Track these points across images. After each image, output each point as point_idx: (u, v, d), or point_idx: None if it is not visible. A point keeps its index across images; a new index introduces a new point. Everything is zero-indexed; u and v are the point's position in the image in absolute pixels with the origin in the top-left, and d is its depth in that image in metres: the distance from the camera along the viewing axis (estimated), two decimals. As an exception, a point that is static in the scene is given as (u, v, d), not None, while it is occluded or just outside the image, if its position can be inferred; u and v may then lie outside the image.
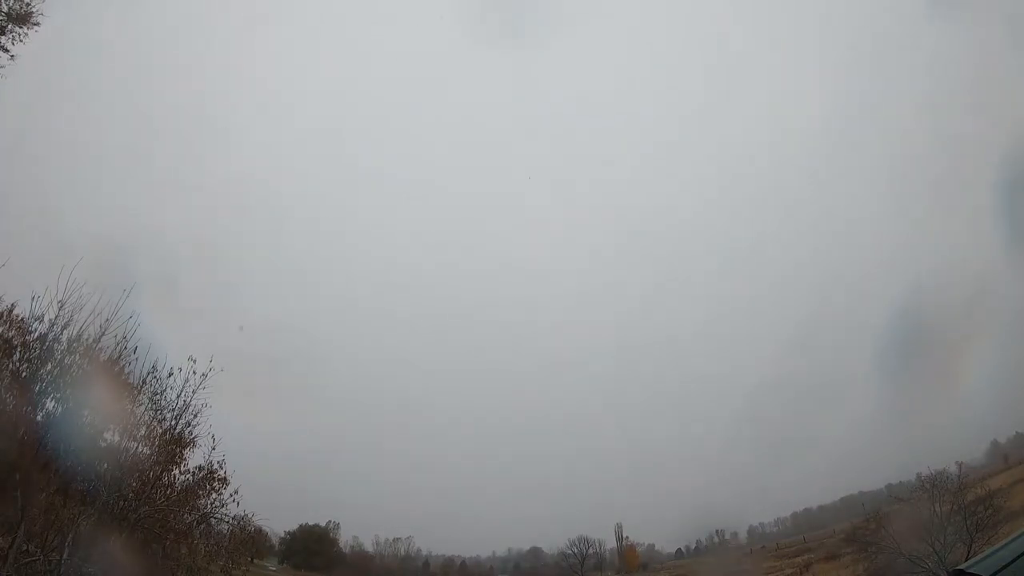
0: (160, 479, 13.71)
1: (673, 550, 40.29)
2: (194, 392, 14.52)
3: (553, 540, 38.34)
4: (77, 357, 13.52)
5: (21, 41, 16.10)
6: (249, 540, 17.90)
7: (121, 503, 12.51)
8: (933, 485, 22.89)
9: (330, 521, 39.17)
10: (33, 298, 13.38)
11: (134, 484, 13.01)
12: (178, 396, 14.50)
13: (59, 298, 13.28)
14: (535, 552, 40.30)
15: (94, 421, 13.51)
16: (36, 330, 13.39)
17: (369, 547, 39.51)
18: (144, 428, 14.31)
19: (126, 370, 14.32)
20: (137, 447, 13.97)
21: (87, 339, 13.54)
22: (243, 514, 16.04)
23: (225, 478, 14.83)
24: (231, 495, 15.01)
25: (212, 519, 14.97)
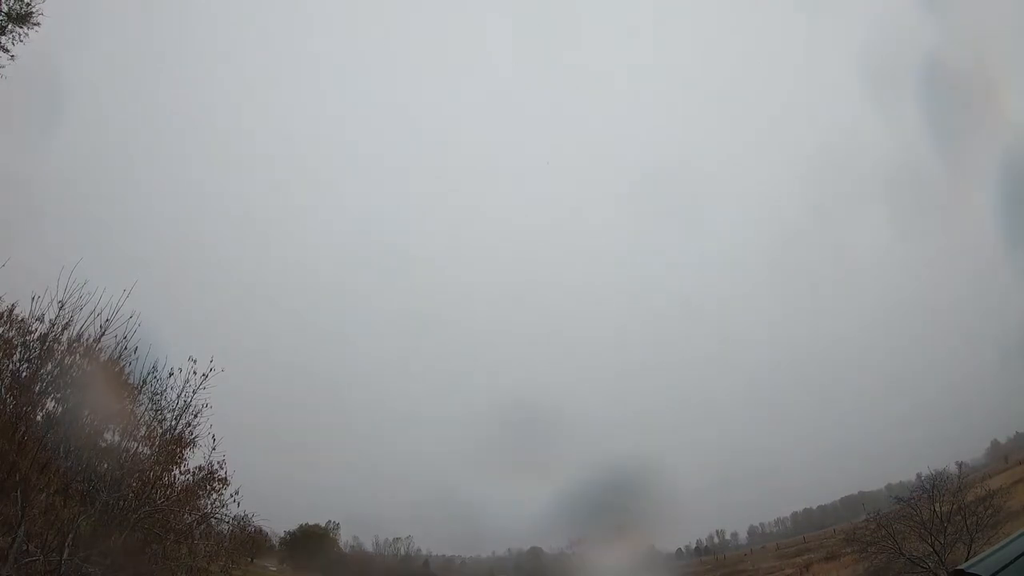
0: (160, 479, 13.72)
1: (673, 550, 40.31)
2: (194, 392, 14.56)
3: (553, 540, 38.35)
4: (77, 357, 13.56)
5: (21, 41, 16.13)
6: (249, 540, 17.94)
7: (121, 503, 12.51)
8: (933, 485, 22.88)
9: (330, 521, 39.19)
10: (33, 298, 13.43)
11: (134, 484, 13.01)
12: (178, 396, 14.55)
13: (59, 298, 13.33)
14: (535, 552, 40.28)
15: (94, 421, 13.54)
16: (36, 330, 13.43)
17: (369, 547, 39.52)
18: (144, 428, 14.35)
19: (126, 370, 14.36)
20: (137, 447, 14.00)
21: (87, 339, 13.58)
22: (243, 514, 16.12)
23: (225, 478, 14.87)
24: (231, 495, 15.06)
25: (212, 519, 14.99)
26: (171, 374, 14.52)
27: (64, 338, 13.42)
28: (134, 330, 13.87)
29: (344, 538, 39.72)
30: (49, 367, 13.25)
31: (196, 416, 14.59)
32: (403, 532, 39.04)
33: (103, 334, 13.62)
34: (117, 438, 13.84)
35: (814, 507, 38.36)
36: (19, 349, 13.31)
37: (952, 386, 32.91)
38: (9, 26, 15.75)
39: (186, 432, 14.57)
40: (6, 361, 13.10)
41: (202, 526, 14.58)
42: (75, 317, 13.44)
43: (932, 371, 35.02)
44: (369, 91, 55.83)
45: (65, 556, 10.76)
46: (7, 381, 12.99)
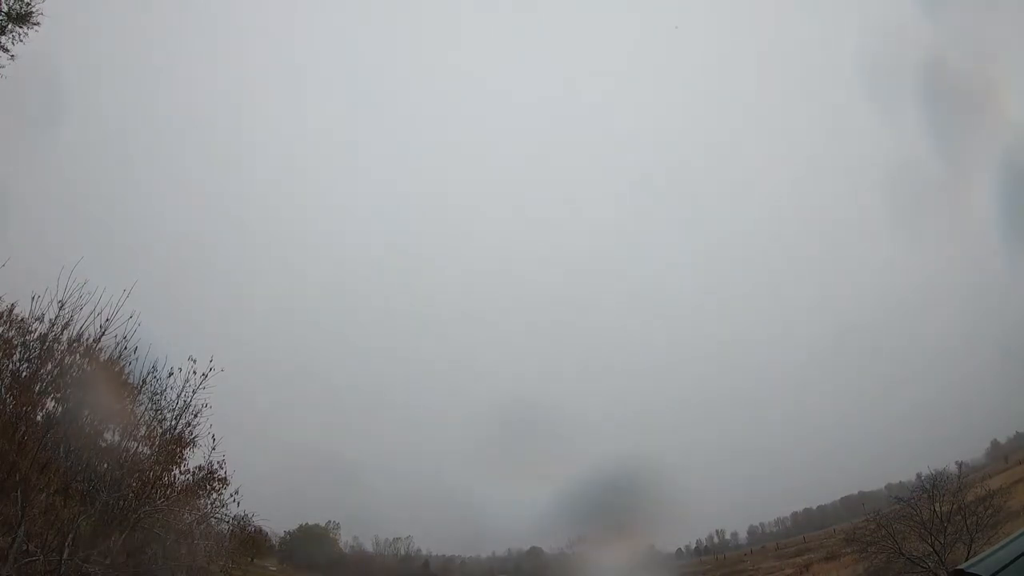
0: (160, 479, 13.73)
1: (673, 550, 40.29)
2: (194, 392, 14.59)
3: (553, 540, 38.32)
4: (77, 357, 13.58)
5: (21, 41, 16.13)
6: (249, 540, 17.95)
7: (121, 503, 12.52)
8: (933, 485, 22.88)
9: (330, 521, 39.21)
10: (33, 298, 13.44)
11: (134, 484, 13.02)
12: (178, 396, 14.57)
13: (59, 298, 13.36)
14: (535, 552, 40.27)
15: (94, 421, 13.54)
16: (36, 330, 13.44)
17: (369, 547, 39.53)
18: (144, 428, 14.37)
19: (126, 370, 14.37)
20: (137, 447, 14.02)
21: (87, 339, 13.60)
22: (243, 514, 16.14)
23: (225, 478, 14.89)
24: (231, 495, 15.08)
25: (212, 519, 15.01)
26: (171, 374, 14.56)
27: (64, 338, 13.44)
28: (134, 330, 13.91)
29: (344, 538, 39.76)
30: (49, 367, 13.26)
31: (196, 416, 14.63)
32: (403, 532, 39.07)
33: (103, 334, 13.65)
34: (117, 438, 13.86)
35: (814, 507, 38.36)
36: (19, 349, 13.32)
37: (952, 386, 32.93)
38: (9, 26, 15.75)
39: (186, 432, 14.60)
40: (6, 361, 13.10)
41: (202, 526, 14.59)
42: (75, 317, 13.48)
43: (932, 371, 35.02)
44: (369, 91, 55.88)
45: (65, 556, 10.75)
46: (7, 381, 12.99)
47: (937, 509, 21.93)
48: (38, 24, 16.08)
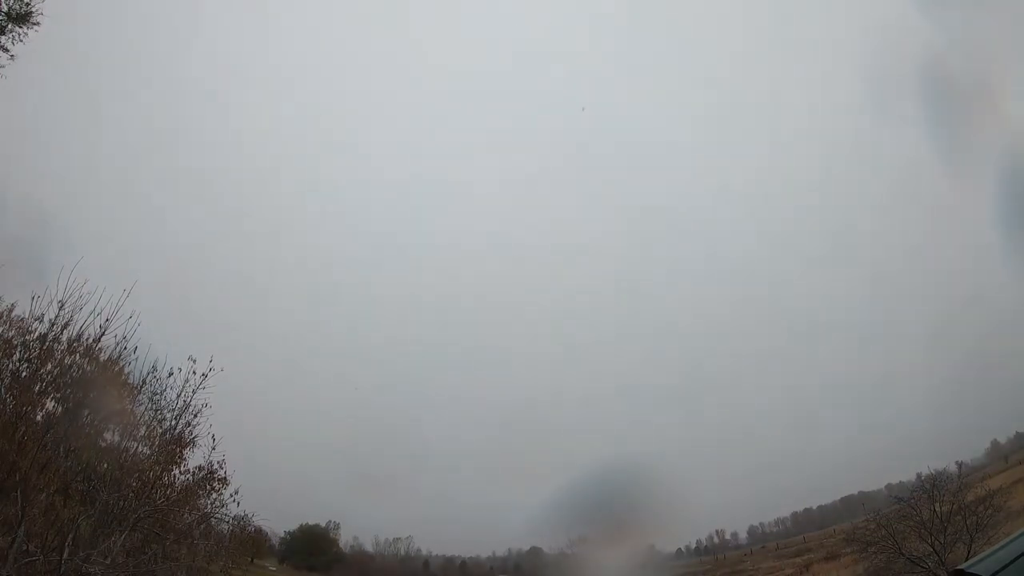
0: (160, 479, 13.70)
1: (673, 550, 40.28)
2: (194, 392, 14.53)
3: (553, 540, 38.30)
4: (77, 357, 13.56)
5: (21, 41, 16.14)
6: (249, 540, 17.94)
7: (121, 503, 12.50)
8: (933, 485, 22.88)
9: (330, 521, 39.23)
10: (33, 298, 13.42)
11: (134, 484, 12.99)
12: (178, 396, 14.52)
13: (59, 298, 13.33)
14: (535, 552, 40.26)
15: (94, 421, 13.55)
16: (36, 330, 13.42)
17: (369, 547, 39.55)
18: (144, 428, 14.35)
19: (126, 370, 14.36)
20: (137, 447, 14.01)
21: (87, 339, 13.58)
22: (243, 514, 16.13)
23: (225, 478, 14.86)
24: (231, 495, 15.05)
25: (212, 519, 14.99)
26: (171, 374, 14.51)
27: (64, 338, 13.43)
28: (134, 330, 13.87)
29: (344, 538, 39.79)
30: (49, 367, 13.25)
31: (196, 416, 14.58)
32: (403, 532, 39.08)
33: (103, 334, 13.63)
34: (117, 438, 13.86)
35: (814, 507, 38.38)
36: (19, 349, 13.31)
37: (952, 386, 32.95)
38: (9, 26, 15.76)
39: (186, 432, 14.56)
40: (6, 361, 13.09)
41: (202, 526, 14.56)
42: (75, 317, 13.45)
43: (932, 370, 35.05)
44: (369, 91, 55.94)
45: (65, 556, 10.75)
46: (7, 381, 12.98)
47: (937, 509, 21.93)
48: (38, 24, 16.09)
